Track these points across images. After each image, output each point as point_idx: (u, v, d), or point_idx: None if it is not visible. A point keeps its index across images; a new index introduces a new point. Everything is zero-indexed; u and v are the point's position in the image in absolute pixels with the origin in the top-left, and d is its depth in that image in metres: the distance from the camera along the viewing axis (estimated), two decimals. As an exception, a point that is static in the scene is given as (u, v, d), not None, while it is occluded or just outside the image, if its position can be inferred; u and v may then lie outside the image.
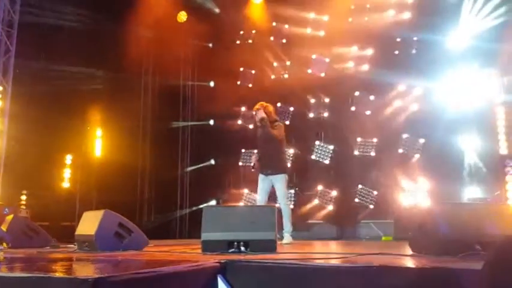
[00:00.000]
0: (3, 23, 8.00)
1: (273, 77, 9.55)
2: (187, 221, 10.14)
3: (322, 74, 9.07)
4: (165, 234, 9.06)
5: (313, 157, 8.90)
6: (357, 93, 8.69)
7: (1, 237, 5.35)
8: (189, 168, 10.45)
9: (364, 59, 8.71)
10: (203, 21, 9.93)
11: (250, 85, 9.80)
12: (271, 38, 9.64)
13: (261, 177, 5.81)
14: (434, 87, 7.76)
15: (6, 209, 7.25)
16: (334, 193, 8.58)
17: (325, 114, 8.98)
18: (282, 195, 5.72)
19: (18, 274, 2.42)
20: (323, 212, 8.59)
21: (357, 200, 8.32)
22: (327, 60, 9.02)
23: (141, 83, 10.40)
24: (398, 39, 8.35)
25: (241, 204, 9.19)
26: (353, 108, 8.67)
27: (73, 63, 8.19)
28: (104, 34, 8.15)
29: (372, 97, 8.55)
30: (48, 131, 7.65)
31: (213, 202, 9.73)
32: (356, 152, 8.50)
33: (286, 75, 9.47)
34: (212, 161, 10.21)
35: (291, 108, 9.28)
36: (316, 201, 8.68)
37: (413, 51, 8.12)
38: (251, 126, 9.66)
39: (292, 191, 8.96)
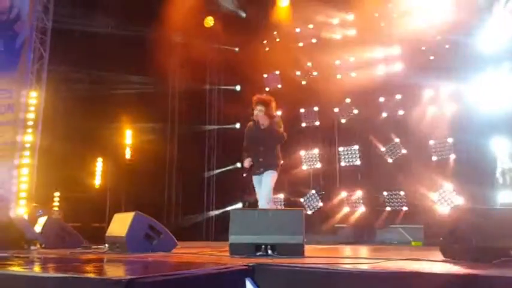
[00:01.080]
0: (37, 30, 8.26)
1: (302, 82, 9.51)
2: (214, 223, 10.21)
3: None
4: (192, 236, 9.15)
5: (342, 163, 8.80)
6: (383, 98, 8.55)
7: (35, 238, 5.52)
8: (216, 171, 10.53)
9: (393, 60, 8.57)
10: (230, 26, 10.02)
11: (277, 87, 9.81)
12: (298, 41, 9.62)
13: (256, 179, 5.43)
14: (466, 89, 7.58)
15: (40, 211, 7.48)
16: (361, 197, 8.48)
17: (354, 116, 8.86)
18: (265, 193, 5.27)
19: (53, 274, 2.50)
20: (350, 216, 8.50)
21: (387, 207, 8.18)
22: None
23: (169, 87, 10.55)
24: (429, 40, 8.19)
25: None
26: (382, 112, 8.54)
27: (104, 69, 8.40)
28: (134, 40, 8.33)
29: (401, 99, 8.41)
30: (80, 134, 7.86)
31: (239, 205, 9.76)
32: (385, 155, 8.37)
33: (313, 77, 9.41)
34: (238, 164, 10.24)
35: (315, 108, 9.24)
36: (342, 205, 8.60)
37: (444, 53, 7.93)
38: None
39: (313, 191, 8.92)
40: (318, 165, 9.10)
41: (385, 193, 8.22)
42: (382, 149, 8.41)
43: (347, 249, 5.63)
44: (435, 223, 6.75)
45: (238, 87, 10.40)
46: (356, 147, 8.73)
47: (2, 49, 8.67)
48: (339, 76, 9.01)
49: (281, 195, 9.36)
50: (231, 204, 9.84)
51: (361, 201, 8.47)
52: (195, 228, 10.06)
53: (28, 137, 7.76)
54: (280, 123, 5.48)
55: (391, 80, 8.41)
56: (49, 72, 8.16)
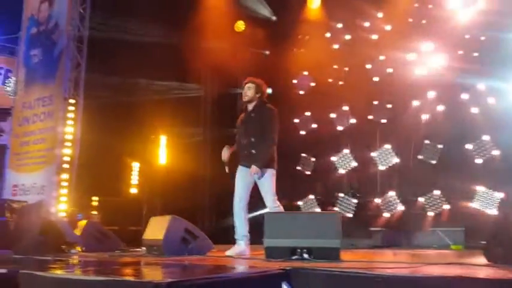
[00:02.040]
0: (74, 39, 8.54)
1: (330, 80, 9.42)
2: (249, 226, 10.21)
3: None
4: (226, 239, 9.17)
5: (377, 165, 8.63)
6: (418, 98, 8.34)
7: (76, 241, 5.68)
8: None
9: (427, 59, 8.37)
10: (260, 30, 10.05)
11: (309, 89, 9.75)
12: (330, 42, 9.54)
13: (241, 172, 4.90)
14: (503, 88, 7.31)
15: (80, 215, 7.70)
16: (397, 199, 8.29)
17: (387, 118, 8.69)
18: (271, 197, 4.94)
19: (95, 277, 2.56)
20: (385, 219, 8.33)
21: (425, 209, 7.95)
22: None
23: (202, 92, 10.67)
24: (464, 38, 7.95)
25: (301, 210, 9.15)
26: (418, 112, 8.33)
27: (139, 75, 8.59)
28: (167, 47, 8.47)
29: (437, 98, 8.19)
30: (117, 140, 8.05)
31: (272, 208, 9.73)
32: (421, 156, 8.15)
33: (344, 79, 9.30)
34: (270, 167, 10.23)
35: (346, 108, 9.12)
36: (378, 208, 8.44)
37: (485, 50, 7.66)
38: (303, 132, 9.61)
39: (347, 194, 8.79)
40: (353, 167, 8.96)
41: (422, 197, 8.00)
42: (420, 156, 8.16)
43: (384, 253, 5.51)
44: (476, 225, 6.52)
45: (269, 90, 10.39)
46: (392, 149, 8.54)
47: (42, 58, 9.03)
48: (375, 79, 8.84)
49: (314, 198, 9.29)
50: (263, 208, 9.81)
51: (398, 203, 8.28)
52: (229, 231, 10.08)
53: (68, 143, 8.02)
54: (277, 119, 4.91)
55: (427, 79, 8.21)
56: (86, 79, 8.41)
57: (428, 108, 8.23)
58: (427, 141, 8.11)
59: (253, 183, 4.95)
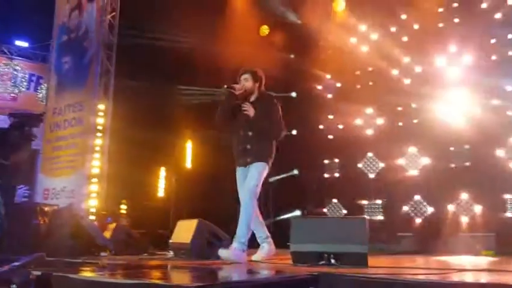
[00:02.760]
0: (103, 46, 8.76)
1: (358, 86, 9.33)
2: (273, 230, 10.21)
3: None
4: (251, 243, 9.19)
5: (405, 169, 8.49)
6: (447, 100, 8.16)
7: (105, 244, 5.80)
8: (273, 179, 10.54)
9: (455, 62, 8.21)
10: (285, 33, 10.05)
11: (330, 95, 9.69)
12: (356, 44, 9.46)
13: (240, 173, 4.55)
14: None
15: (109, 218, 7.87)
16: (426, 203, 8.12)
17: (415, 121, 8.54)
18: (250, 186, 4.32)
19: (125, 280, 2.62)
20: (414, 224, 8.18)
21: (454, 213, 7.77)
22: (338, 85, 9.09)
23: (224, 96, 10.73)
24: (492, 41, 7.76)
25: (327, 215, 9.09)
26: (444, 114, 8.15)
27: (166, 80, 8.73)
28: (193, 52, 8.60)
29: (462, 100, 8.01)
30: (145, 145, 8.20)
31: (297, 212, 9.70)
32: (453, 165, 7.96)
33: (371, 83, 9.20)
34: (295, 171, 10.20)
35: (373, 111, 9.00)
36: (406, 213, 8.29)
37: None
38: (330, 137, 9.54)
39: (375, 199, 8.67)
40: (380, 171, 8.84)
41: (452, 202, 7.82)
42: (452, 164, 7.97)
43: (413, 259, 5.41)
44: (508, 231, 6.33)
45: (294, 94, 10.39)
46: (418, 152, 8.39)
47: (72, 65, 9.30)
48: (407, 81, 8.69)
49: (340, 202, 9.21)
50: (289, 212, 9.80)
51: (427, 208, 8.12)
52: (254, 235, 10.10)
53: (97, 148, 8.22)
54: (279, 111, 4.48)
55: (455, 81, 8.05)
56: (115, 85, 8.61)
57: (457, 111, 8.06)
58: (452, 148, 7.93)
59: None
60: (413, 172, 8.40)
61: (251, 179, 4.35)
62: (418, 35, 8.60)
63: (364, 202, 8.84)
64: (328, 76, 9.79)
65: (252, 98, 4.52)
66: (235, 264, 3.90)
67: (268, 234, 4.71)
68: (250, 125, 4.39)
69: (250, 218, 4.35)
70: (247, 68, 4.59)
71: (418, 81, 8.49)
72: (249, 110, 4.36)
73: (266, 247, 4.60)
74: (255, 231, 4.67)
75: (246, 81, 4.49)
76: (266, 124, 4.39)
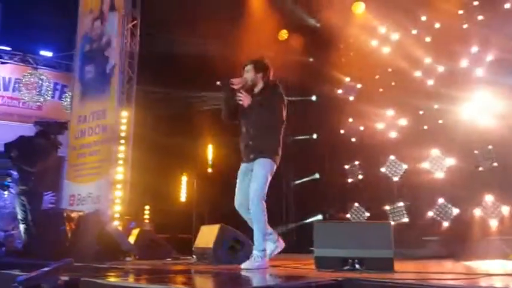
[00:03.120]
0: (125, 54, 8.91)
1: (381, 90, 9.23)
2: (294, 235, 10.17)
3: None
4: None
5: (429, 171, 8.33)
6: (475, 97, 7.97)
7: (130, 249, 5.88)
8: (294, 183, 10.51)
9: (479, 62, 8.04)
10: (304, 37, 10.05)
11: (352, 97, 9.62)
12: (376, 46, 9.38)
13: (242, 169, 4.25)
14: None
15: (133, 223, 7.98)
16: (451, 206, 7.96)
17: (439, 122, 8.37)
18: (256, 187, 3.98)
19: (150, 285, 2.65)
20: (439, 228, 8.02)
21: (482, 216, 7.58)
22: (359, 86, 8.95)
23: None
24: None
25: (349, 219, 9.00)
26: (468, 115, 7.99)
27: (186, 87, 8.82)
28: (213, 58, 8.67)
29: (489, 100, 7.83)
30: (167, 150, 8.30)
31: (319, 217, 9.64)
32: (481, 168, 7.78)
33: (393, 84, 9.08)
34: (317, 175, 10.16)
35: (394, 113, 8.88)
36: (431, 216, 8.14)
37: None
38: (353, 140, 9.47)
39: (399, 202, 8.54)
40: (403, 174, 8.70)
41: (478, 204, 7.64)
42: (480, 167, 7.80)
43: (439, 264, 5.31)
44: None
45: (314, 97, 10.36)
46: (443, 154, 8.23)
47: (95, 73, 9.48)
48: (429, 82, 8.55)
49: (363, 206, 9.11)
50: (311, 216, 9.75)
51: (452, 211, 7.96)
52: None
53: (121, 155, 8.36)
54: (281, 101, 4.15)
55: (480, 80, 7.88)
56: (137, 92, 8.75)
57: (482, 112, 7.88)
58: (476, 152, 7.75)
59: None
60: (437, 174, 8.25)
61: (255, 180, 4.03)
62: (440, 35, 8.47)
63: (388, 206, 8.72)
64: (348, 79, 9.73)
65: (257, 89, 4.26)
66: (256, 270, 3.89)
67: (270, 231, 4.33)
68: (252, 119, 4.12)
69: (263, 223, 4.09)
70: (251, 58, 4.34)
71: (441, 82, 8.35)
72: (244, 99, 4.09)
73: (270, 245, 4.28)
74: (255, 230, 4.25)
75: (247, 73, 4.25)
76: (265, 115, 4.09)
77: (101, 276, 3.17)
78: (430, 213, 8.12)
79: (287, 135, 10.42)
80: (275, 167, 4.12)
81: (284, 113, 4.17)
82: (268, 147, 4.09)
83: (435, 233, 7.99)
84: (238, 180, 4.25)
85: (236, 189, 4.26)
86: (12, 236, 7.24)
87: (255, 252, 4.02)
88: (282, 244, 4.45)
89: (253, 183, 4.01)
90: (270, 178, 4.08)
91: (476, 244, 7.48)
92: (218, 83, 4.24)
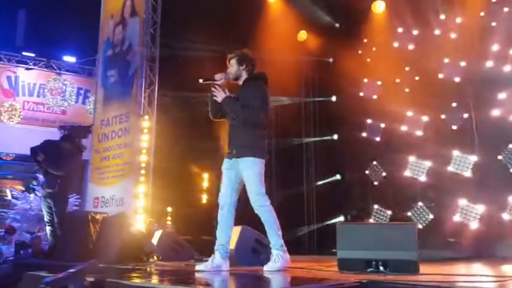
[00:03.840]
0: (146, 59, 9.03)
1: (406, 89, 9.10)
2: (316, 237, 10.12)
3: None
4: (295, 249, 9.13)
5: (453, 171, 8.17)
6: (502, 96, 7.78)
7: (153, 251, 5.94)
8: (315, 184, 10.46)
9: (504, 58, 7.85)
10: (323, 37, 10.00)
11: (374, 96, 9.51)
12: (396, 46, 9.26)
13: (226, 165, 4.03)
14: None
15: (156, 225, 8.07)
16: (478, 206, 7.77)
17: (461, 122, 8.19)
18: (255, 190, 3.87)
19: (175, 287, 2.67)
20: (465, 229, 7.85)
21: (510, 217, 7.39)
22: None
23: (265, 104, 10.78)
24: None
25: (371, 221, 8.91)
26: (494, 114, 7.80)
27: (207, 89, 8.85)
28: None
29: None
30: (188, 153, 8.37)
31: (341, 218, 9.57)
32: (506, 162, 7.59)
33: (415, 83, 8.94)
34: (338, 176, 10.08)
35: (423, 114, 8.72)
36: (456, 217, 7.98)
37: None
38: (378, 139, 9.36)
39: (421, 203, 8.40)
40: (426, 174, 8.56)
41: (505, 207, 7.44)
42: (500, 156, 7.64)
43: (465, 266, 5.20)
44: None
45: (334, 98, 10.30)
46: (468, 154, 8.06)
47: (118, 78, 9.63)
48: (453, 81, 8.39)
49: (386, 208, 9.00)
50: (333, 218, 9.69)
51: (478, 211, 7.78)
52: (297, 242, 10.05)
53: (143, 157, 8.47)
54: (259, 92, 3.98)
55: (504, 78, 7.70)
56: (159, 96, 8.85)
57: (507, 110, 7.69)
58: (503, 153, 7.56)
59: (240, 179, 3.97)
60: (462, 174, 8.08)
61: (250, 184, 3.88)
62: (463, 33, 8.31)
63: (411, 207, 8.58)
64: (365, 80, 9.63)
65: (240, 82, 4.13)
66: (279, 271, 3.88)
67: (227, 244, 4.03)
68: (232, 114, 3.98)
69: (275, 222, 3.98)
70: (233, 51, 4.21)
71: (464, 82, 8.19)
72: (217, 95, 4.00)
73: (218, 257, 3.96)
74: (218, 234, 4.06)
75: (230, 67, 4.15)
76: (235, 108, 3.92)
77: (126, 277, 3.21)
78: (456, 214, 7.96)
79: (307, 136, 10.52)
80: (263, 162, 3.95)
81: (263, 107, 3.98)
82: (250, 143, 3.89)
83: (461, 234, 7.83)
84: (224, 177, 4.04)
85: (222, 184, 4.05)
86: (39, 237, 7.40)
87: (274, 252, 3.93)
88: (227, 263, 4.03)
89: (251, 192, 3.90)
90: (262, 175, 3.94)
91: (503, 245, 7.30)
92: (200, 80, 4.11)
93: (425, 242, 7.65)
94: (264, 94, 4.06)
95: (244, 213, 4.36)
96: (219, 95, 4.00)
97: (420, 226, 8.20)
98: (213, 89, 4.02)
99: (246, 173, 3.88)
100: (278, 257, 3.89)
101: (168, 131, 8.67)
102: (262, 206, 3.91)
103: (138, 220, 8.09)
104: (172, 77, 8.74)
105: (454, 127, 8.24)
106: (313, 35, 10.22)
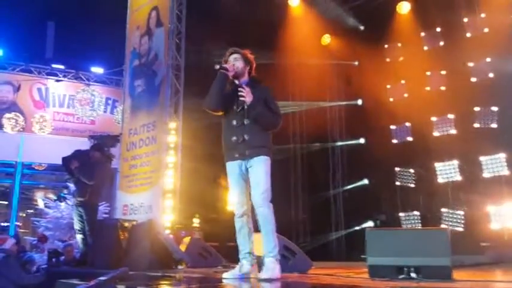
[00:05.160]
0: (172, 68, 9.14)
1: (427, 88, 8.93)
2: (344, 242, 9.98)
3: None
4: (323, 256, 9.05)
5: (485, 174, 7.94)
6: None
7: (182, 258, 5.97)
8: (342, 189, 10.35)
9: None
10: (347, 40, 9.93)
11: (403, 97, 9.35)
12: (423, 47, 9.09)
13: (233, 168, 3.79)
14: None
15: (183, 232, 8.12)
16: (510, 210, 7.53)
17: (493, 125, 7.97)
18: (263, 190, 3.65)
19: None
20: (499, 233, 7.60)
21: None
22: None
23: (291, 108, 10.76)
24: None
25: (401, 226, 8.73)
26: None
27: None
28: (258, 66, 8.73)
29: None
30: (214, 159, 8.38)
31: (369, 223, 9.42)
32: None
33: (441, 84, 8.76)
34: (365, 181, 9.95)
35: (450, 116, 8.52)
36: (489, 221, 7.74)
37: None
38: (400, 143, 9.20)
39: (453, 206, 8.18)
40: (457, 178, 8.34)
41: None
42: None
43: (500, 272, 5.02)
44: None
45: (360, 102, 10.19)
46: (502, 155, 7.81)
47: (145, 87, 9.77)
48: (481, 83, 8.19)
49: (416, 212, 8.81)
50: (361, 223, 9.55)
51: (510, 215, 7.53)
52: (325, 248, 9.95)
53: (170, 165, 8.55)
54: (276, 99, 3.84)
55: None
56: (184, 104, 8.95)
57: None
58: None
59: (248, 180, 3.77)
60: (494, 177, 7.84)
61: (259, 183, 3.67)
62: (490, 34, 8.09)
63: (442, 211, 8.37)
64: (388, 86, 9.47)
65: (242, 82, 3.87)
66: (308, 276, 3.84)
67: (253, 251, 3.92)
68: (247, 112, 3.72)
69: (274, 228, 3.79)
70: (236, 48, 3.98)
71: (494, 82, 7.96)
72: (247, 96, 3.70)
73: (245, 265, 3.85)
74: (241, 242, 3.98)
75: (236, 61, 3.88)
76: (266, 112, 3.74)
77: (155, 285, 3.24)
78: (488, 218, 7.72)
79: (334, 140, 10.41)
80: (270, 161, 3.82)
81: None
82: (266, 143, 3.76)
83: (494, 239, 7.59)
84: (233, 181, 3.82)
85: (235, 193, 3.84)
86: (71, 245, 7.55)
87: (268, 259, 3.66)
88: (255, 270, 3.90)
89: (258, 186, 3.66)
90: (270, 176, 3.77)
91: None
92: (217, 66, 3.87)
93: (458, 247, 7.45)
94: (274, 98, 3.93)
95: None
96: (248, 96, 3.70)
97: (452, 230, 7.98)
98: (240, 88, 3.73)
99: (259, 169, 3.68)
100: (273, 264, 3.64)
101: (194, 139, 8.75)
102: (268, 207, 3.71)
103: (166, 227, 8.16)
104: (198, 85, 8.82)
105: (490, 127, 8.00)
106: (337, 39, 10.17)
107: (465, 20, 8.45)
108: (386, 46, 9.62)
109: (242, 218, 3.87)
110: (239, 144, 3.71)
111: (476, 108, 8.14)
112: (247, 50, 4.00)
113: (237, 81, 3.86)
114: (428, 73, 8.93)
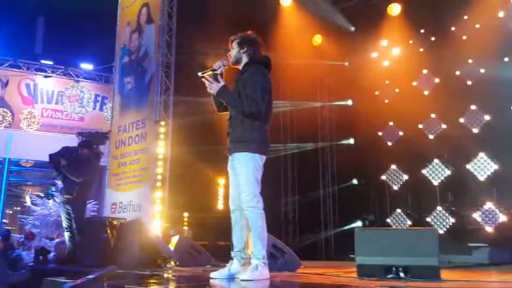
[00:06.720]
0: (162, 65, 9.10)
1: (418, 89, 8.98)
2: (333, 242, 10.02)
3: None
4: (312, 255, 9.08)
5: (473, 174, 7.99)
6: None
7: (170, 256, 5.94)
8: (331, 189, 10.38)
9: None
10: (338, 41, 9.94)
11: (391, 100, 9.40)
12: (414, 49, 9.14)
13: (229, 164, 3.69)
14: None
15: (172, 231, 8.08)
16: (498, 211, 7.62)
17: (485, 123, 8.01)
18: (247, 189, 3.43)
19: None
20: (486, 234, 7.69)
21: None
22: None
23: (280, 108, 10.76)
24: None
25: (390, 226, 8.78)
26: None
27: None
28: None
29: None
30: (204, 159, 8.37)
31: (358, 223, 9.46)
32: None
33: (434, 86, 8.81)
34: (354, 181, 9.99)
35: (440, 117, 8.58)
36: (477, 222, 7.82)
37: None
38: (389, 143, 9.25)
39: (441, 207, 8.24)
40: (446, 178, 8.40)
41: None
42: None
43: (487, 272, 5.08)
44: None
45: (350, 102, 10.22)
46: (488, 157, 7.90)
47: (134, 85, 9.72)
48: (470, 84, 8.26)
49: (405, 212, 8.87)
50: (350, 223, 9.59)
51: (498, 216, 7.61)
52: (314, 247, 9.98)
53: (160, 163, 8.51)
54: (262, 81, 3.49)
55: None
56: (174, 101, 8.90)
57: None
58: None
59: None
60: (482, 178, 7.92)
61: (240, 183, 3.48)
62: (480, 34, 8.16)
63: (430, 211, 8.44)
64: (394, 86, 9.49)
65: (240, 67, 3.68)
66: (298, 276, 3.84)
67: (245, 250, 3.69)
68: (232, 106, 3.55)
69: (262, 229, 3.49)
70: (234, 35, 3.76)
71: (483, 84, 8.04)
72: (210, 86, 3.56)
73: (235, 264, 3.66)
74: (234, 240, 3.72)
75: (231, 50, 3.73)
76: (233, 100, 3.50)
77: (144, 284, 3.21)
78: (476, 218, 7.80)
79: (323, 140, 10.45)
80: (262, 158, 3.55)
81: (264, 95, 3.48)
82: (247, 138, 3.47)
83: (482, 240, 7.67)
84: (230, 178, 3.69)
85: (230, 187, 3.69)
86: (63, 243, 7.46)
87: (254, 261, 3.45)
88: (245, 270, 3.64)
89: (240, 186, 3.47)
90: (259, 173, 3.52)
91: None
92: (199, 74, 3.65)
93: (446, 248, 7.52)
94: (265, 80, 3.53)
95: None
96: (212, 87, 3.51)
97: (441, 231, 8.05)
98: (204, 80, 3.55)
99: (238, 166, 3.48)
100: (258, 267, 3.41)
101: (183, 137, 8.71)
102: (253, 207, 3.43)
103: (155, 225, 8.11)
104: (188, 83, 8.79)
105: (475, 130, 8.08)
106: (328, 39, 10.18)
107: (455, 22, 8.51)
108: (376, 47, 9.66)
109: (234, 213, 3.69)
110: (227, 138, 3.63)
111: (473, 107, 8.19)
112: (249, 31, 3.78)
113: (240, 68, 3.69)
114: (418, 74, 8.97)
